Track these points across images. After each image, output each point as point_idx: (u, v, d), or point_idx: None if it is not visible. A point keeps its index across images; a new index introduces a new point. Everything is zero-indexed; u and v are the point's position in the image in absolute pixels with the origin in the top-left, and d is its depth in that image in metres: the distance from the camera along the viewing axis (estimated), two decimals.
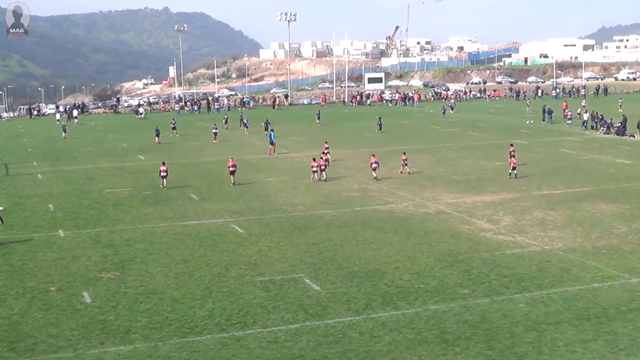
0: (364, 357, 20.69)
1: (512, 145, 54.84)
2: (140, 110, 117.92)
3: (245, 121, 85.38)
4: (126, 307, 25.02)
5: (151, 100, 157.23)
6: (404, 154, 52.62)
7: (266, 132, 76.04)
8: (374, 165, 49.86)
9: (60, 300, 25.87)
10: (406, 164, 51.95)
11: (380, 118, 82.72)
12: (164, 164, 49.42)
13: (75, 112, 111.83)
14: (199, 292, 26.39)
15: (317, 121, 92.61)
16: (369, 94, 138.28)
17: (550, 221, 36.43)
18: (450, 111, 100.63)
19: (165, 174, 48.49)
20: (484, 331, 22.28)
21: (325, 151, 56.29)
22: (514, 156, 52.11)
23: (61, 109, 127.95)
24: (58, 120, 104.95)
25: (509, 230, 34.86)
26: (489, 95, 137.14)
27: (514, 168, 49.71)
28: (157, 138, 74.65)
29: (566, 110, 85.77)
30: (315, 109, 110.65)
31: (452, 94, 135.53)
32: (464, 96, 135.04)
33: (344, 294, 25.89)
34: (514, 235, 33.87)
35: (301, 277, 27.96)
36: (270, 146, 63.91)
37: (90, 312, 24.68)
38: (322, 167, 50.24)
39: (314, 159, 50.57)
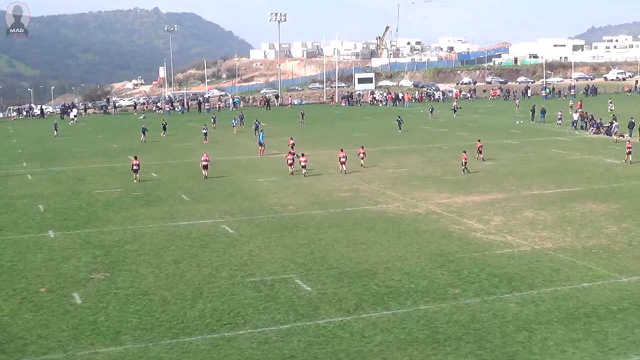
0: (354, 357, 20.69)
1: (479, 141, 58.20)
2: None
3: (233, 121, 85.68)
4: (116, 308, 24.96)
5: (141, 100, 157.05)
6: (362, 147, 55.06)
7: (256, 132, 76.05)
8: (342, 159, 52.44)
9: (50, 302, 25.80)
10: (362, 158, 54.35)
11: (399, 117, 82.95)
12: (135, 158, 51.91)
13: (74, 112, 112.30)
14: (190, 293, 26.35)
15: (301, 120, 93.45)
16: (381, 93, 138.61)
17: (540, 221, 36.51)
18: (454, 115, 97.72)
19: (137, 167, 50.96)
20: (474, 331, 22.30)
21: (291, 147, 57.33)
22: (481, 152, 56.62)
23: (76, 107, 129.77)
24: (72, 119, 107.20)
25: (500, 230, 34.92)
26: (491, 94, 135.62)
27: (464, 164, 51.33)
28: (142, 136, 75.88)
29: (580, 110, 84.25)
30: (305, 109, 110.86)
31: (458, 93, 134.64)
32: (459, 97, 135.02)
33: (335, 294, 25.89)
34: (504, 235, 33.93)
35: (292, 277, 27.94)
36: (260, 147, 63.78)
37: (80, 313, 24.62)
38: (290, 162, 52.74)
39: (289, 152, 53.73)
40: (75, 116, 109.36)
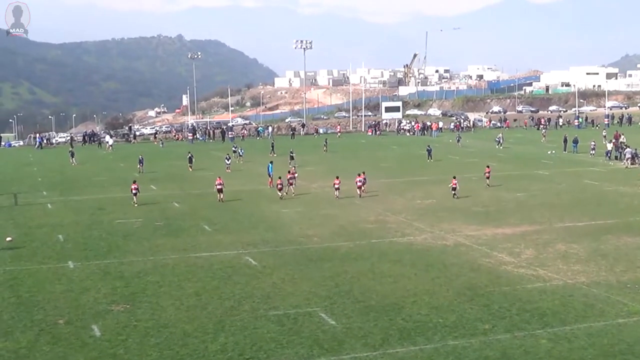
0: None
1: (488, 167, 60.97)
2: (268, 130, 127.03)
3: (240, 150, 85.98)
4: (136, 341, 24.97)
5: (164, 129, 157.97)
6: (363, 173, 57.13)
7: (291, 162, 76.08)
8: (359, 183, 55.47)
9: (68, 334, 25.85)
10: (364, 183, 56.41)
11: (429, 146, 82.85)
12: (134, 182, 55.18)
13: (110, 140, 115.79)
14: (211, 326, 26.32)
15: (324, 148, 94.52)
16: (408, 122, 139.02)
17: (573, 254, 36.23)
18: (497, 147, 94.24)
19: (136, 191, 54.03)
20: None
21: (292, 173, 59.51)
22: (488, 177, 59.55)
23: (111, 133, 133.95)
24: (110, 145, 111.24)
25: (531, 263, 34.67)
26: (538, 123, 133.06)
27: (454, 189, 53.85)
28: (139, 166, 75.50)
29: (614, 140, 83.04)
30: (330, 137, 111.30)
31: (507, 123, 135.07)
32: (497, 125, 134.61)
33: (360, 328, 25.76)
34: (535, 268, 33.68)
35: (316, 311, 27.86)
36: (270, 178, 62.12)
37: (99, 346, 24.64)
38: (279, 187, 55.68)
39: (280, 177, 56.36)
40: (112, 144, 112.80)
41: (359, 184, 55.52)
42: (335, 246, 39.13)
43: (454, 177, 54.98)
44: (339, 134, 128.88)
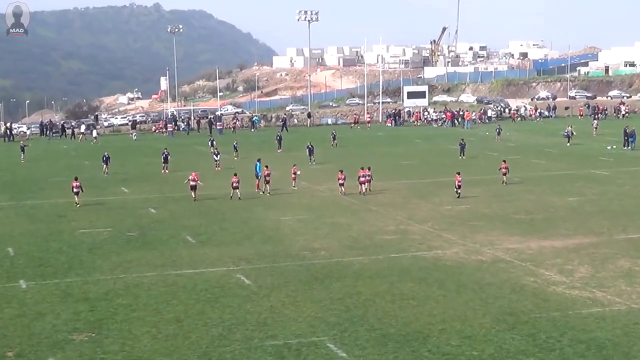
0: None
1: (504, 162, 62.77)
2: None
3: (235, 144, 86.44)
4: None
5: (138, 119, 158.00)
6: (369, 168, 59.47)
7: (311, 157, 76.42)
8: (361, 179, 58.01)
9: None
10: (365, 182, 58.51)
11: (462, 140, 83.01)
12: (76, 179, 56.63)
13: (94, 133, 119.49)
14: (195, 359, 26.31)
15: (332, 142, 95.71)
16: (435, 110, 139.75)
17: (638, 273, 36.16)
18: (567, 144, 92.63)
19: (77, 190, 56.07)
20: None
21: (294, 171, 63.16)
22: (505, 174, 61.76)
23: (86, 124, 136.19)
24: (95, 137, 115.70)
25: (586, 283, 34.61)
26: (595, 112, 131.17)
27: (458, 187, 55.66)
28: (104, 166, 75.45)
29: None
30: (341, 129, 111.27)
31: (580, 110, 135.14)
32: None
33: None
34: (592, 290, 33.63)
35: (323, 340, 27.87)
36: (257, 180, 61.77)
37: None
38: (235, 185, 57.25)
39: (235, 174, 58.49)
40: (96, 136, 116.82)
41: (362, 179, 57.82)
42: (346, 262, 39.14)
43: (458, 173, 56.29)
44: (369, 125, 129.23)
